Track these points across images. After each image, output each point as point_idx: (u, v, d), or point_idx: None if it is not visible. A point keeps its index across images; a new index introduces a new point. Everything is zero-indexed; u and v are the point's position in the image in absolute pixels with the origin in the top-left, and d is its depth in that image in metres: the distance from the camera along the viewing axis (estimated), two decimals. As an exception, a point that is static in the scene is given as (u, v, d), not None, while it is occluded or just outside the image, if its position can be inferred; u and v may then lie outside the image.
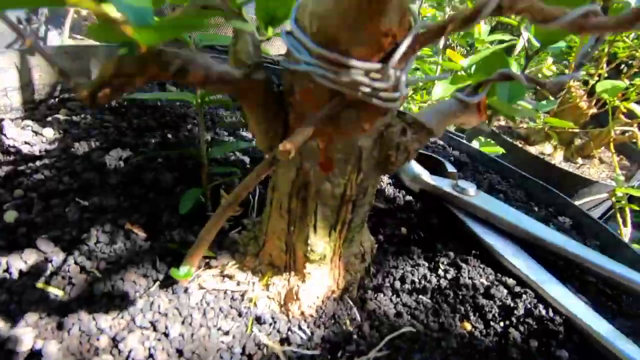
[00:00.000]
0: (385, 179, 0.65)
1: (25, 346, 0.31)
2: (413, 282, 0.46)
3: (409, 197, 0.61)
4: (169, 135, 0.59)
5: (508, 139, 1.43)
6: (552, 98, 1.60)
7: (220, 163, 0.54)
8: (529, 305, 0.42)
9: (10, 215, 0.43)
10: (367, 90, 0.27)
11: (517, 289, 0.45)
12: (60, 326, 0.33)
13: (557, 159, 1.53)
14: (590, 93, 1.41)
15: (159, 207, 0.45)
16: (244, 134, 0.65)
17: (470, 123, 0.36)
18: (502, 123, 1.72)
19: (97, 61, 0.68)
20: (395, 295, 0.44)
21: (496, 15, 0.25)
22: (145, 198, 0.46)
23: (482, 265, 0.48)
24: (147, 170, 0.50)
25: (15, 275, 0.37)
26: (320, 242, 0.38)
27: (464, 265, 0.47)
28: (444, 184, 0.59)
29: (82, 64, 0.66)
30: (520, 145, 1.46)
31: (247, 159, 0.57)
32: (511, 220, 0.53)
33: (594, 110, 1.45)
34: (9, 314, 0.33)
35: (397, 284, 0.46)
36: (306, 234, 0.37)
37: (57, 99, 0.64)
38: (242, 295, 0.40)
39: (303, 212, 0.36)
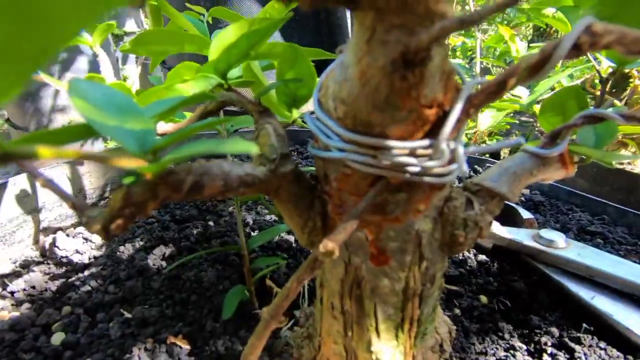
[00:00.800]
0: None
1: None
2: (512, 375, 0.36)
3: (481, 257, 0.52)
4: (210, 223, 0.56)
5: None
6: (618, 103, 1.43)
7: (264, 247, 0.50)
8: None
9: (58, 338, 0.41)
10: (416, 169, 0.22)
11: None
12: None
13: (641, 165, 1.32)
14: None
15: (203, 312, 0.41)
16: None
17: (552, 178, 0.29)
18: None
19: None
20: (492, 398, 0.35)
21: (574, 56, 0.19)
22: (187, 302, 0.43)
23: (601, 344, 0.37)
24: (188, 267, 0.47)
25: (58, 415, 0.34)
26: (386, 348, 0.31)
27: (577, 347, 0.37)
28: (523, 236, 0.50)
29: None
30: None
31: (291, 239, 0.53)
32: (622, 274, 0.42)
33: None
34: None
35: (492, 380, 0.36)
36: (368, 338, 0.31)
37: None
38: (302, 417, 0.33)
39: (360, 313, 0.30)
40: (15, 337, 0.41)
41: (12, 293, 0.48)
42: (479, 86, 0.21)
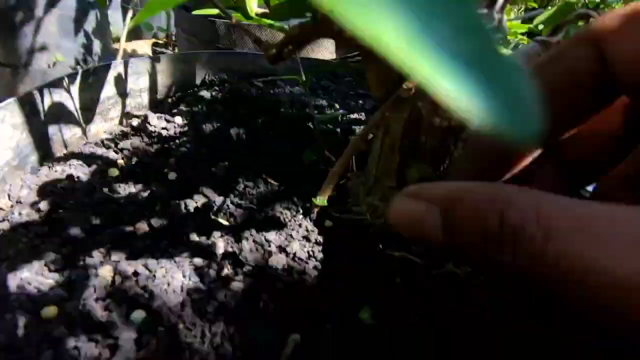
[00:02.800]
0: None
1: (220, 249, 0.41)
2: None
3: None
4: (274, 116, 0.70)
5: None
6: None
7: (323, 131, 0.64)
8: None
9: (172, 175, 0.55)
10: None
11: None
12: (238, 239, 0.43)
13: None
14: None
15: (282, 168, 0.56)
16: (337, 105, 0.75)
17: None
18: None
19: (200, 65, 0.81)
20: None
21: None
22: (269, 161, 0.57)
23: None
24: (265, 140, 0.61)
25: (192, 209, 0.48)
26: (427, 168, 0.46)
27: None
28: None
29: (189, 67, 0.80)
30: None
31: (337, 129, 0.67)
32: None
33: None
34: (199, 231, 0.44)
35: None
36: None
37: (175, 97, 0.78)
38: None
39: (414, 147, 0.45)
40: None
41: (121, 150, 0.61)
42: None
